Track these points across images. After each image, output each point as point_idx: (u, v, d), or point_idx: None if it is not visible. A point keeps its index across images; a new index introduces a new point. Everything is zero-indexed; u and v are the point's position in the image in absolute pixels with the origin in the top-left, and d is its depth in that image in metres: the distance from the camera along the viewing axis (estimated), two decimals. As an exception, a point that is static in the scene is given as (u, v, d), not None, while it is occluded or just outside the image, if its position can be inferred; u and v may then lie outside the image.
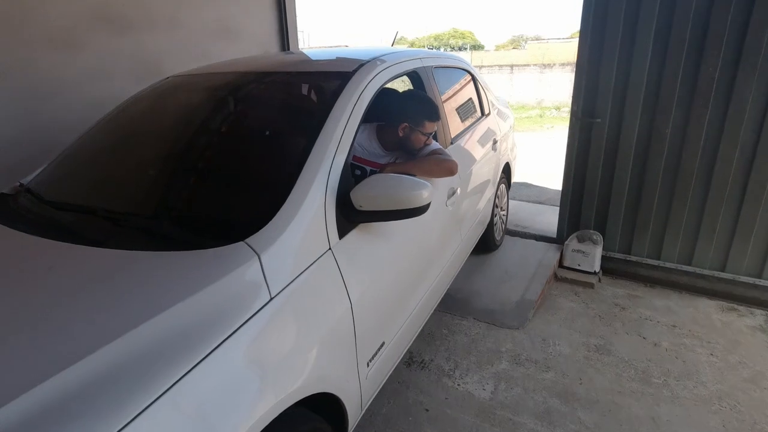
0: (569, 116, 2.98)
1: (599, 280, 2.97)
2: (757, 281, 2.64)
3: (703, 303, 2.71)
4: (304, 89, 1.94)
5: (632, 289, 2.89)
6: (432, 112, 1.80)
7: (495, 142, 2.87)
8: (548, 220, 3.74)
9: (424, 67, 2.08)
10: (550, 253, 3.15)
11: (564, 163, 3.07)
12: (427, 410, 1.92)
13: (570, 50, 15.98)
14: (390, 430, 1.83)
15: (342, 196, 1.30)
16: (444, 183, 1.94)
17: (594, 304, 2.70)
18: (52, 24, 2.61)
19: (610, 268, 3.05)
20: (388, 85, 1.78)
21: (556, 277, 3.03)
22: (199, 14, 3.45)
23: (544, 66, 17.67)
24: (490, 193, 2.82)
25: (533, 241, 3.36)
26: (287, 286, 1.09)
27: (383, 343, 1.50)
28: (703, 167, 2.64)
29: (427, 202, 1.33)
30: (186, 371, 0.84)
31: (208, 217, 1.30)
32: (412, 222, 1.39)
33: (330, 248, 1.25)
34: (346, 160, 1.37)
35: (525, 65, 18.58)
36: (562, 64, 16.51)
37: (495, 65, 19.36)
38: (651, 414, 1.87)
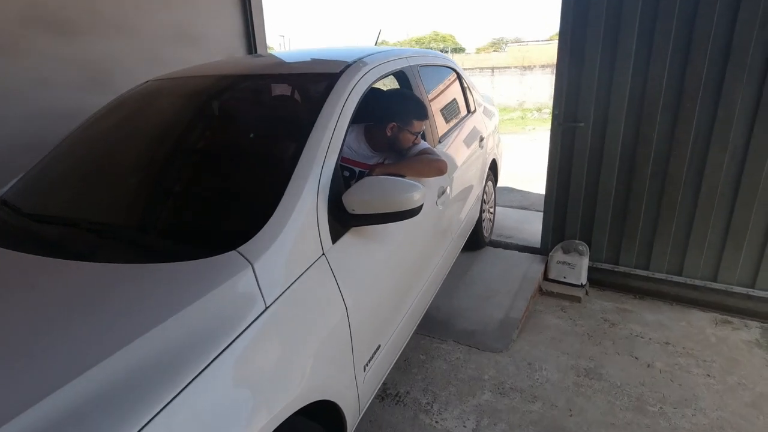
0: (550, 121, 2.82)
1: (586, 293, 2.80)
2: (751, 292, 2.50)
3: (695, 316, 2.56)
4: (292, 92, 1.89)
5: (621, 301, 2.73)
6: (420, 110, 1.78)
7: (482, 139, 2.84)
8: (533, 228, 3.57)
9: (410, 66, 2.06)
10: (535, 266, 2.98)
11: (546, 171, 2.91)
12: (401, 454, 1.72)
13: (550, 52, 16.03)
14: (359, 481, 1.62)
15: (334, 200, 1.28)
16: (434, 182, 1.91)
17: (582, 321, 2.53)
18: (-23, 27, 2.35)
19: (597, 280, 2.89)
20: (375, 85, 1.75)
21: (541, 291, 2.85)
22: (153, 18, 3.20)
23: (525, 68, 17.73)
24: (478, 190, 2.81)
25: (517, 253, 3.19)
26: (282, 294, 1.06)
27: (379, 346, 1.48)
28: (691, 172, 2.49)
29: (420, 204, 1.32)
30: (180, 389, 0.80)
31: (197, 226, 1.26)
32: (404, 223, 1.36)
33: (323, 253, 1.22)
34: (337, 162, 1.34)
35: (506, 67, 18.62)
36: (543, 66, 16.60)
37: (476, 68, 19.35)
38: (648, 449, 1.70)
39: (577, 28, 2.56)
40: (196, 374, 0.83)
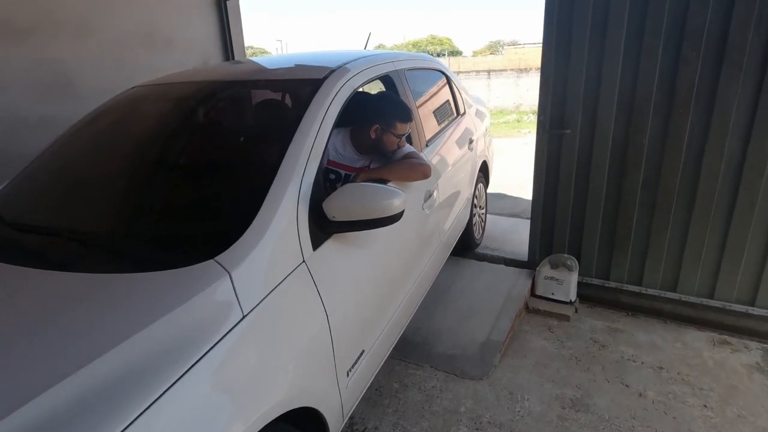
0: (536, 127, 2.66)
1: (576, 311, 2.63)
2: (750, 309, 2.33)
3: (691, 335, 2.38)
4: (274, 98, 1.88)
5: (612, 320, 2.55)
6: (402, 112, 1.78)
7: (471, 141, 2.81)
8: (521, 238, 3.39)
9: (396, 70, 2.06)
10: (521, 281, 2.80)
11: (533, 181, 2.74)
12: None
13: (545, 54, 15.88)
14: None
15: (315, 206, 1.28)
16: (420, 186, 1.91)
17: (570, 342, 2.36)
18: None
19: (587, 295, 2.71)
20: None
21: (527, 309, 2.68)
22: (115, 19, 3.04)
23: (521, 71, 17.61)
24: (468, 192, 2.79)
25: (503, 267, 3.01)
26: (260, 302, 1.06)
27: (363, 351, 1.47)
28: (685, 182, 2.32)
29: (400, 211, 1.32)
30: (157, 396, 0.81)
31: (176, 236, 1.26)
32: (388, 228, 1.35)
33: (304, 260, 1.22)
34: (319, 169, 1.34)
35: (502, 70, 18.51)
36: (538, 68, 16.35)
37: (472, 71, 19.25)
38: (638, 496, 1.52)
39: (562, 30, 2.39)
40: (172, 382, 0.84)
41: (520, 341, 2.38)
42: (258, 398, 1.00)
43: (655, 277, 2.53)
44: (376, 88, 2.19)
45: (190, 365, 0.87)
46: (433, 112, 2.49)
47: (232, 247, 1.08)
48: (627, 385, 2.02)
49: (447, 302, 2.66)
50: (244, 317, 1.01)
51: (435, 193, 2.08)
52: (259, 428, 0.97)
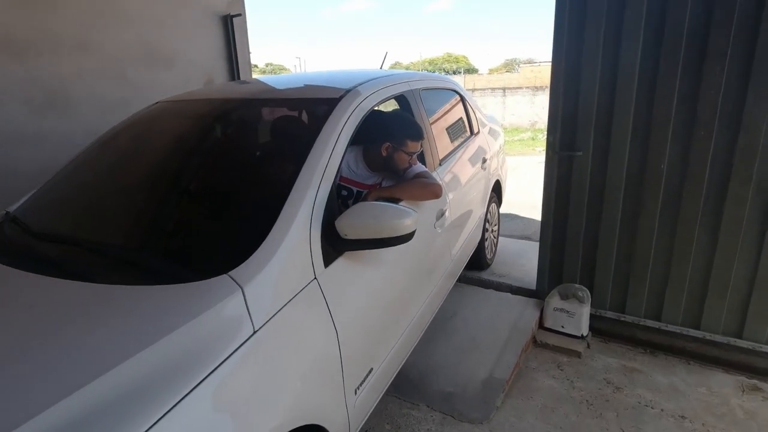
0: (545, 148, 2.50)
1: (588, 346, 2.42)
2: (785, 352, 2.11)
3: (717, 379, 2.16)
4: (291, 116, 1.93)
5: (628, 357, 2.34)
6: (413, 130, 1.80)
7: (484, 160, 2.82)
8: (531, 264, 3.20)
9: (411, 90, 2.09)
10: (528, 312, 2.61)
11: (542, 204, 2.58)
12: None
13: (562, 72, 15.76)
14: None
15: (327, 224, 1.29)
16: (432, 205, 1.92)
17: (581, 382, 2.15)
18: None
19: (600, 329, 2.51)
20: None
21: (535, 342, 2.48)
22: (117, 36, 3.01)
23: (537, 88, 17.50)
24: (480, 211, 2.78)
25: (509, 295, 2.83)
26: (271, 318, 1.07)
27: (371, 370, 1.47)
28: (709, 210, 2.13)
29: (411, 230, 1.32)
30: (166, 411, 0.81)
31: (191, 250, 1.29)
32: (399, 246, 1.35)
33: (315, 277, 1.23)
34: (332, 187, 1.36)
35: (517, 88, 18.43)
36: (554, 86, 16.31)
37: (488, 88, 19.23)
38: None
39: (572, 46, 2.26)
40: (181, 396, 0.84)
41: (526, 379, 2.19)
42: (266, 415, 1.00)
43: (675, 311, 2.32)
44: (391, 107, 2.22)
45: (200, 380, 0.88)
46: (447, 132, 2.50)
47: (245, 263, 1.10)
48: (644, 437, 1.81)
49: (448, 333, 2.48)
50: (254, 332, 1.02)
51: (447, 212, 2.08)
52: None
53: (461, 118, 2.78)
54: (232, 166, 1.65)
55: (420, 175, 1.81)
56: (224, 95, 1.98)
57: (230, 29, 3.82)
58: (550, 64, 2.35)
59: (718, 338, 2.23)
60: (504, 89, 18.51)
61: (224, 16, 3.79)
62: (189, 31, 3.51)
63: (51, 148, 2.79)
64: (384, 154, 1.77)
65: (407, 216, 1.31)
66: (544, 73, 19.01)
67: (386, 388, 1.64)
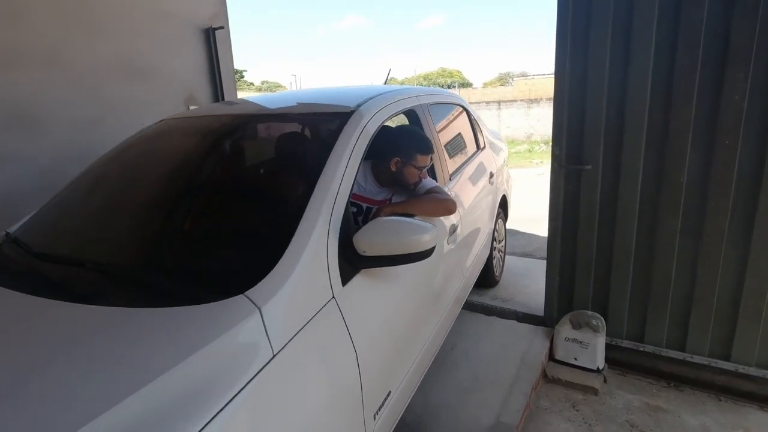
0: (550, 161, 2.29)
1: (605, 380, 2.18)
2: (829, 386, 1.86)
3: (754, 418, 1.91)
4: (302, 132, 1.90)
5: (651, 393, 2.09)
6: (422, 144, 1.76)
7: (491, 175, 2.78)
8: (536, 285, 2.97)
9: (420, 105, 2.05)
10: (538, 342, 2.37)
11: (548, 222, 2.36)
12: None
13: (556, 84, 15.81)
14: None
15: (344, 241, 1.24)
16: (445, 220, 1.88)
17: (600, 426, 1.90)
18: None
19: (617, 360, 2.26)
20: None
21: (545, 377, 2.23)
22: (90, 49, 2.81)
23: (531, 101, 17.51)
24: (489, 227, 2.72)
25: (515, 323, 2.58)
26: (290, 340, 1.01)
27: (390, 393, 1.40)
28: (735, 227, 1.92)
29: (432, 246, 1.28)
30: None
31: (204, 269, 1.21)
32: (415, 263, 1.29)
33: (333, 297, 1.18)
34: (347, 203, 1.31)
35: (512, 101, 18.45)
36: (549, 99, 16.36)
37: (482, 101, 19.23)
38: None
39: (577, 49, 2.07)
40: (200, 427, 0.78)
41: (538, 422, 1.94)
42: None
43: (702, 340, 2.08)
44: (400, 122, 2.16)
45: (218, 410, 0.82)
46: (456, 146, 2.47)
47: (262, 282, 1.04)
48: (680, 495, 1.56)
49: (448, 369, 2.23)
50: (274, 356, 0.95)
51: (459, 228, 2.02)
52: None
53: (469, 133, 2.75)
54: (245, 182, 1.64)
55: (432, 191, 1.75)
56: (234, 111, 1.97)
57: (212, 43, 3.64)
58: (554, 68, 2.15)
59: (752, 371, 1.98)
60: (499, 102, 18.52)
61: (206, 29, 3.62)
62: (169, 43, 3.32)
63: (13, 171, 2.57)
64: (393, 169, 1.73)
65: (427, 231, 1.26)
66: (538, 86, 19.11)
67: (402, 412, 1.54)
